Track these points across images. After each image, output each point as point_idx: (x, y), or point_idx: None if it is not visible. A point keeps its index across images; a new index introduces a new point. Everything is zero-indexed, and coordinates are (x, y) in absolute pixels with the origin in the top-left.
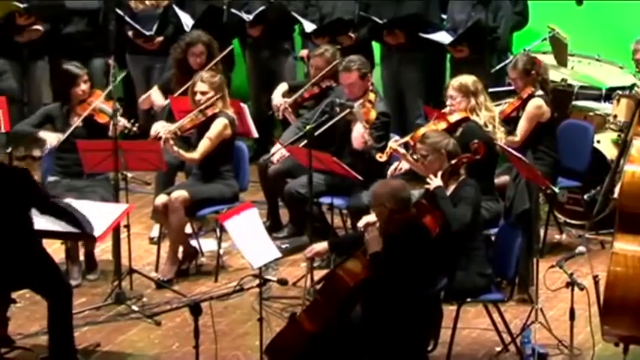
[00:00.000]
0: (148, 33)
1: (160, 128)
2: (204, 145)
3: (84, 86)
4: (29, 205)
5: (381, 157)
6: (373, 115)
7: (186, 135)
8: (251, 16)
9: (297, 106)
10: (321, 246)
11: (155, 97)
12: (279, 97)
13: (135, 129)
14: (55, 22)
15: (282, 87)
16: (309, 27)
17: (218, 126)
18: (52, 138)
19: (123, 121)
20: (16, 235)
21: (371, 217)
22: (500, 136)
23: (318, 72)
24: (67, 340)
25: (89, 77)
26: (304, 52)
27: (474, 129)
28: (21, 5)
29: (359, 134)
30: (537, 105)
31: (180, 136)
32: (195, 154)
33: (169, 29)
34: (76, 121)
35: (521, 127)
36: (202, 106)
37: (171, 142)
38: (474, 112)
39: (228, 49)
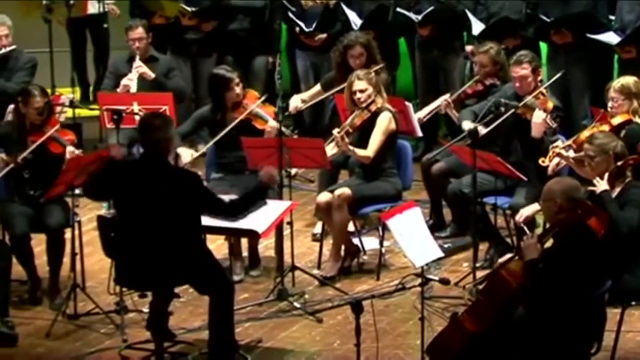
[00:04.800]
0: (307, 29)
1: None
2: (375, 141)
3: (237, 89)
4: (200, 209)
5: (544, 161)
6: (550, 104)
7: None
8: (420, 17)
9: (460, 102)
10: None
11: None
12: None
13: (295, 136)
14: (222, 20)
15: (445, 97)
16: (477, 29)
17: (384, 121)
18: (186, 155)
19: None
20: (184, 235)
21: (529, 210)
22: None
23: (482, 69)
24: (227, 336)
25: (241, 79)
26: (469, 48)
27: (637, 131)
28: (189, 9)
29: (541, 119)
30: None
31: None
32: (369, 152)
33: (337, 26)
34: (231, 125)
35: None
36: (366, 103)
37: (346, 140)
38: (637, 114)
39: (380, 66)
